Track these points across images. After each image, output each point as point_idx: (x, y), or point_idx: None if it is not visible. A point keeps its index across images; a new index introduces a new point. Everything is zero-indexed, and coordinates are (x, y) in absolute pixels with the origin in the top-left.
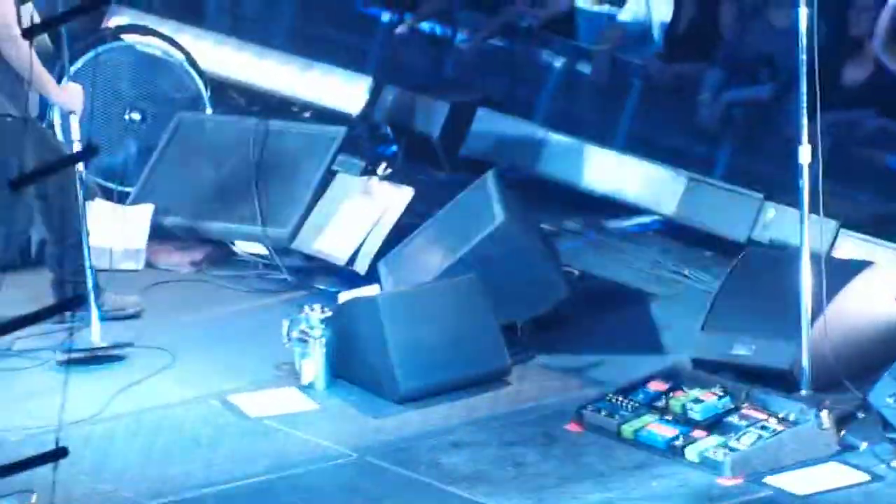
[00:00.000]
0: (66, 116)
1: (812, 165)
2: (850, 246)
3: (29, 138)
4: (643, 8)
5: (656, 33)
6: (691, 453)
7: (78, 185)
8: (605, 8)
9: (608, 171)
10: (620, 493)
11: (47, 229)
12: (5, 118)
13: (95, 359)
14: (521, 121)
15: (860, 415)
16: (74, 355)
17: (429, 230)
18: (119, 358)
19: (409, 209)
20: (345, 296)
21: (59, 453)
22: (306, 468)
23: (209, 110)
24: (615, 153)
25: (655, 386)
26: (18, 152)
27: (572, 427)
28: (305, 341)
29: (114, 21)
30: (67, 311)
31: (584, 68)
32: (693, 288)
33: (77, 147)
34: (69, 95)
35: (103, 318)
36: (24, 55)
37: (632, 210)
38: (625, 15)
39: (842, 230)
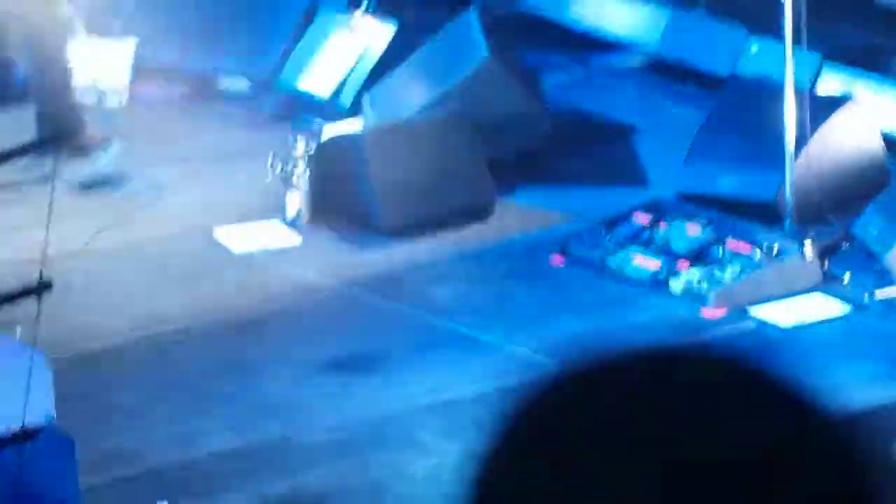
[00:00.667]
0: None
1: None
2: (834, 79)
3: None
4: None
5: None
6: (675, 285)
7: (63, 19)
8: None
9: (592, 5)
10: (604, 325)
11: (32, 63)
12: None
13: (100, 181)
14: None
15: (844, 246)
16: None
17: (412, 65)
18: (140, 173)
19: (393, 43)
20: (329, 129)
21: (43, 286)
22: (292, 301)
23: None
24: None
25: (639, 218)
26: None
27: (557, 260)
28: (290, 175)
29: None
30: (50, 145)
31: None
32: (677, 121)
33: None
34: None
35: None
36: None
37: (615, 45)
38: None
39: (825, 63)
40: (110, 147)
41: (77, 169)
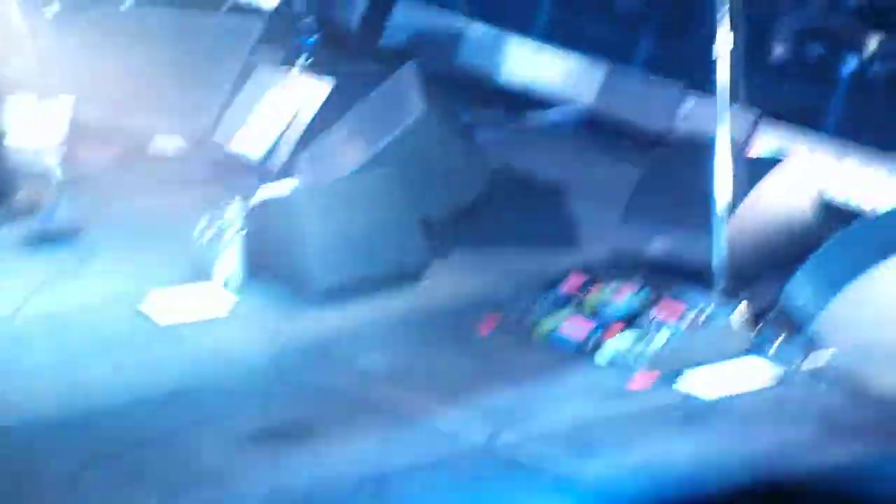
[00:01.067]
0: None
1: (733, 55)
2: (770, 136)
3: None
4: None
5: None
6: (604, 352)
7: None
8: None
9: (528, 61)
10: (534, 394)
11: None
12: None
13: (33, 243)
14: (442, 11)
15: (774, 312)
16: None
17: (346, 124)
18: (74, 235)
19: (329, 101)
20: (263, 190)
21: None
22: (222, 370)
23: (127, 2)
24: (535, 43)
25: (572, 280)
26: None
27: (488, 325)
28: (222, 238)
29: None
30: None
31: None
32: (612, 179)
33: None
34: None
35: (17, 217)
36: None
37: (552, 101)
38: None
39: (761, 119)
40: (45, 208)
41: (10, 231)
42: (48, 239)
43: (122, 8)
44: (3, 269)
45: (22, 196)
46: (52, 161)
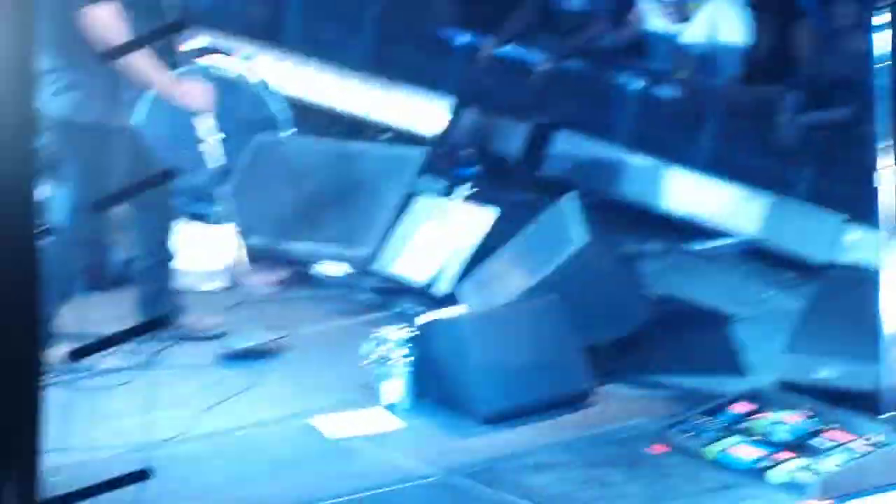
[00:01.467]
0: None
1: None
2: None
3: (126, 151)
4: (711, 29)
5: (728, 55)
6: (776, 475)
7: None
8: (676, 29)
9: (688, 192)
10: None
11: (138, 245)
12: (104, 128)
13: (200, 367)
14: (600, 142)
15: None
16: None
17: (509, 252)
18: (242, 357)
19: (492, 230)
20: (425, 317)
21: (142, 474)
22: (391, 488)
23: (289, 132)
24: (695, 174)
25: (740, 407)
26: (112, 167)
27: (657, 448)
28: (387, 362)
29: (190, 44)
30: (155, 329)
31: (661, 91)
32: (776, 309)
33: (209, 148)
34: (189, 95)
35: (186, 340)
36: (136, 68)
37: (713, 232)
38: (692, 37)
39: None
40: (211, 333)
41: (180, 353)
42: (217, 361)
43: (284, 137)
44: (173, 392)
45: (190, 318)
46: (219, 285)
